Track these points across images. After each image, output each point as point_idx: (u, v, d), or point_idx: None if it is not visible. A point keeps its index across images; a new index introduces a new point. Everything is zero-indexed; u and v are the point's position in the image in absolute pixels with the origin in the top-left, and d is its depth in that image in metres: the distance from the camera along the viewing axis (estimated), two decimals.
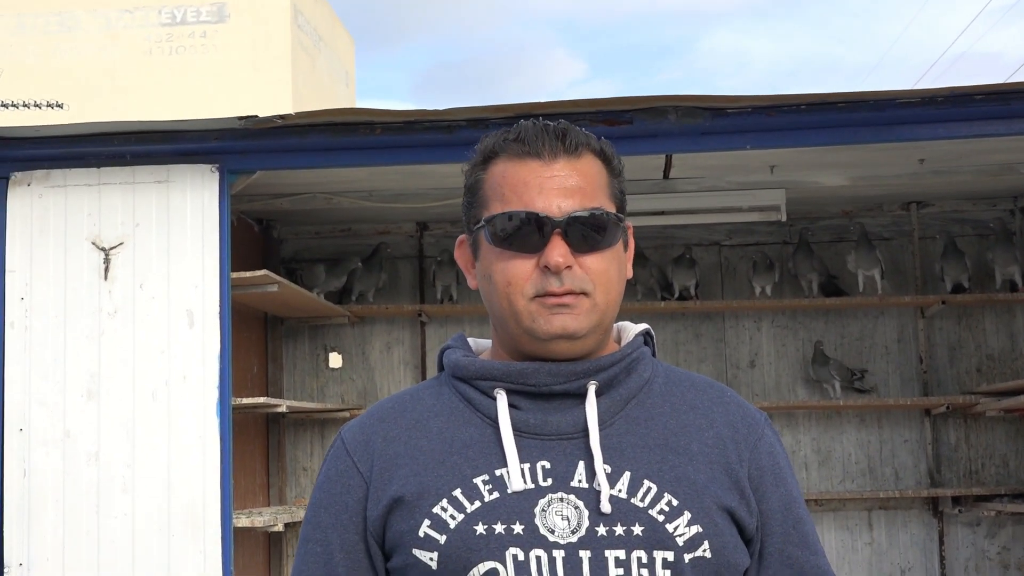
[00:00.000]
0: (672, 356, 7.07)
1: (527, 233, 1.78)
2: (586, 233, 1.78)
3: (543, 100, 4.74)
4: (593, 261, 1.79)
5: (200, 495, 4.90)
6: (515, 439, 1.77)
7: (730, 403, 1.89)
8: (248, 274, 5.43)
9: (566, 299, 1.76)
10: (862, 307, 6.94)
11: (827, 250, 7.01)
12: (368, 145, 5.01)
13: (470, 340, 1.96)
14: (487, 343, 1.96)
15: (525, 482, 1.74)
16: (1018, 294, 6.70)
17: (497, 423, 1.79)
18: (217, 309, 4.99)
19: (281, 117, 4.89)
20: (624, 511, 1.73)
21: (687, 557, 1.72)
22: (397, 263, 7.17)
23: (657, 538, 1.71)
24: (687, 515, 1.73)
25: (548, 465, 1.76)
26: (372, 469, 1.82)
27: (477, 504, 1.73)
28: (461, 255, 1.93)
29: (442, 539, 1.72)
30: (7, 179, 5.08)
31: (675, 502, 1.74)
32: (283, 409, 6.03)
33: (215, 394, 4.95)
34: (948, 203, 6.86)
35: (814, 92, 4.74)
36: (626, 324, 1.94)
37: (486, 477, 1.75)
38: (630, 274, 1.91)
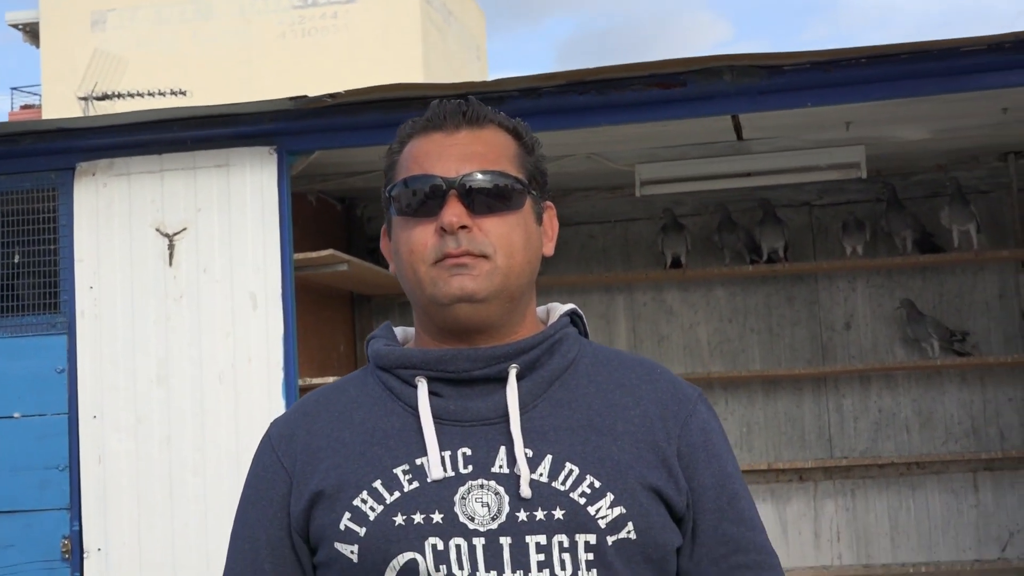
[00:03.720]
0: (765, 320, 6.91)
1: (426, 197, 1.77)
2: (485, 195, 1.76)
3: (593, 67, 4.63)
4: (492, 224, 1.76)
5: None
6: (436, 427, 1.75)
7: (660, 380, 1.84)
8: (314, 254, 5.40)
9: (463, 259, 1.74)
10: (959, 263, 6.67)
11: (921, 206, 6.75)
12: None
13: (397, 329, 1.93)
14: (414, 331, 1.92)
15: (445, 470, 1.72)
16: None
17: (418, 411, 1.76)
18: (280, 290, 4.98)
19: (331, 96, 4.86)
20: (545, 495, 1.70)
21: (610, 539, 1.69)
22: None
23: (578, 521, 1.69)
24: (609, 497, 1.70)
25: (469, 452, 1.74)
26: (295, 464, 1.81)
27: (397, 495, 1.72)
28: (385, 245, 1.91)
29: (362, 531, 1.71)
30: (73, 170, 5.14)
31: (597, 484, 1.71)
32: None
33: (280, 375, 4.96)
34: None
35: (874, 45, 4.57)
36: (555, 305, 1.91)
37: (406, 467, 1.74)
38: (549, 252, 1.87)
